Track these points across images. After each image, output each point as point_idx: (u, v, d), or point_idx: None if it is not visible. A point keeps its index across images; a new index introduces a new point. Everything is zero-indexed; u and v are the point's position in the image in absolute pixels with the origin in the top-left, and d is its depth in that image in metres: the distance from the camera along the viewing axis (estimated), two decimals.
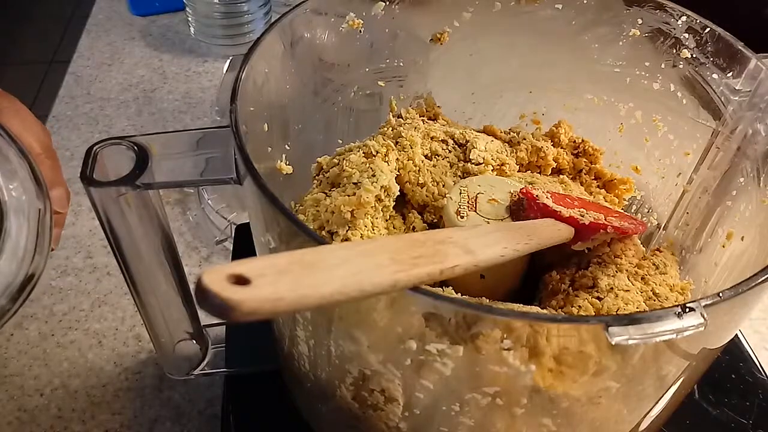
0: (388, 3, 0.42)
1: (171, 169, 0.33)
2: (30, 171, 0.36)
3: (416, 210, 0.42)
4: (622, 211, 0.45)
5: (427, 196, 0.41)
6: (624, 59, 0.44)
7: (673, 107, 0.43)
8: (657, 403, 0.33)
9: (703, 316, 0.24)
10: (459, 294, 0.33)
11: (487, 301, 0.33)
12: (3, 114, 0.41)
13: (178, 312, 0.40)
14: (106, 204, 0.33)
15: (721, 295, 0.24)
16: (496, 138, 0.46)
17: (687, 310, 0.24)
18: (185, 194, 0.65)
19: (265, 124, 0.36)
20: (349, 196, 0.36)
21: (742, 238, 0.37)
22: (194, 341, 0.42)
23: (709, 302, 0.24)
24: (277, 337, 0.38)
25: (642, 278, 0.37)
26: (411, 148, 0.41)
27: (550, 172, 0.45)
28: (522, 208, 0.37)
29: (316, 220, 0.37)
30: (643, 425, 0.34)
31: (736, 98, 0.39)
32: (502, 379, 0.27)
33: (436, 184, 0.41)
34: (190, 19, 0.83)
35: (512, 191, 0.38)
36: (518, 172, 0.44)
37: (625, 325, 0.23)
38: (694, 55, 0.40)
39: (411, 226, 0.41)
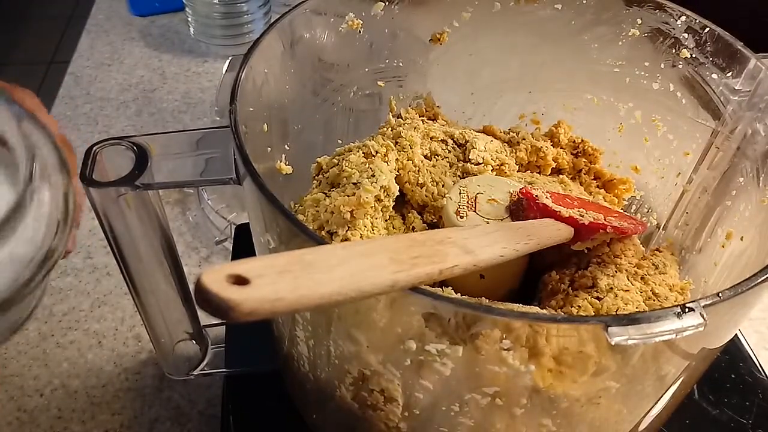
0: (387, 3, 0.42)
1: (170, 169, 0.33)
2: (56, 151, 0.37)
3: (416, 210, 0.42)
4: (621, 211, 0.45)
5: (426, 196, 0.41)
6: (623, 59, 0.44)
7: (673, 107, 0.43)
8: (657, 403, 0.33)
9: (703, 316, 0.24)
10: (458, 294, 0.33)
11: (487, 301, 0.33)
12: (25, 104, 0.41)
13: (178, 312, 0.40)
14: (105, 204, 0.33)
15: (720, 295, 0.24)
16: (495, 138, 0.46)
17: (686, 310, 0.24)
18: (185, 194, 0.65)
19: (265, 125, 0.36)
20: (348, 196, 0.36)
21: (742, 238, 0.37)
22: (194, 341, 0.42)
23: (708, 302, 0.24)
24: (276, 338, 0.38)
25: (641, 278, 0.37)
26: (410, 148, 0.41)
27: (549, 172, 0.45)
28: (521, 208, 0.37)
29: (315, 220, 0.37)
30: (643, 425, 0.34)
31: (736, 98, 0.39)
32: (501, 379, 0.27)
33: (435, 184, 0.41)
34: (189, 19, 0.83)
35: (512, 191, 0.38)
36: (518, 172, 0.44)
37: (625, 325, 0.23)
38: (693, 55, 0.40)
39: (410, 227, 0.41)
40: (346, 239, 0.36)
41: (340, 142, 0.44)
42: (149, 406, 0.50)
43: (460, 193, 0.38)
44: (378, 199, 0.37)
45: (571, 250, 0.37)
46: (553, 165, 0.45)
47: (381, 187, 0.36)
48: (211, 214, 0.61)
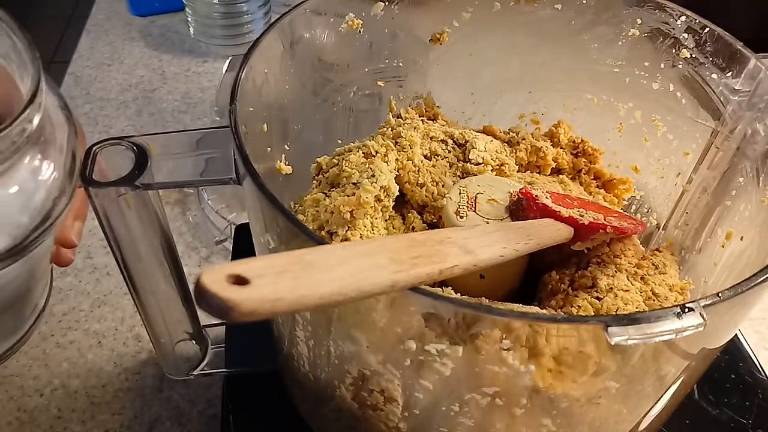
0: (387, 3, 0.42)
1: (170, 169, 0.33)
2: (66, 113, 0.38)
3: (416, 210, 0.42)
4: (621, 211, 0.45)
5: (426, 196, 0.41)
6: (623, 59, 0.44)
7: (673, 107, 0.43)
8: (656, 403, 0.33)
9: (703, 316, 0.24)
10: (458, 294, 0.33)
11: (487, 301, 0.33)
12: None
13: (178, 312, 0.40)
14: (105, 204, 0.33)
15: (720, 295, 0.24)
16: (495, 138, 0.46)
17: (686, 310, 0.24)
18: (185, 194, 0.65)
19: (265, 125, 0.37)
20: (348, 196, 0.36)
21: (742, 238, 0.37)
22: (194, 341, 0.42)
23: (708, 302, 0.24)
24: (276, 338, 0.38)
25: (641, 278, 0.37)
26: (410, 148, 0.41)
27: (549, 172, 0.45)
28: (521, 208, 0.37)
29: (315, 220, 0.37)
30: (643, 425, 0.34)
31: (736, 98, 0.39)
32: (501, 379, 0.27)
33: (435, 184, 0.41)
34: (189, 19, 0.83)
35: (512, 191, 0.38)
36: (518, 172, 0.44)
37: (625, 325, 0.23)
38: (693, 55, 0.40)
39: (410, 227, 0.41)
40: (346, 239, 0.36)
41: (340, 142, 0.44)
42: (149, 406, 0.50)
43: (460, 193, 0.38)
44: (378, 199, 0.37)
45: (571, 250, 0.37)
46: (553, 165, 0.45)
47: (381, 187, 0.36)
48: (211, 214, 0.61)
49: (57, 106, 0.40)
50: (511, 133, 0.47)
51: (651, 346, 0.27)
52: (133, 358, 0.52)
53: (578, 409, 0.30)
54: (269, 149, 0.38)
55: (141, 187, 0.32)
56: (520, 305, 0.33)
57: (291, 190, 0.41)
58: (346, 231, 0.36)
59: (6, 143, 0.34)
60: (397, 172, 0.41)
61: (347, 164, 0.38)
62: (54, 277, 0.57)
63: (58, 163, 0.38)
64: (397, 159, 0.40)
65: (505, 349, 0.26)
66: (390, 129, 0.44)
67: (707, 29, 0.39)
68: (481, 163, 0.42)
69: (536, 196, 0.36)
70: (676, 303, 0.36)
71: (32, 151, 0.37)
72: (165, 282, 0.38)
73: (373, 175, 0.37)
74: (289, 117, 0.41)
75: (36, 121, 0.35)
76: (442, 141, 0.43)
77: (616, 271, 0.37)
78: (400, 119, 0.46)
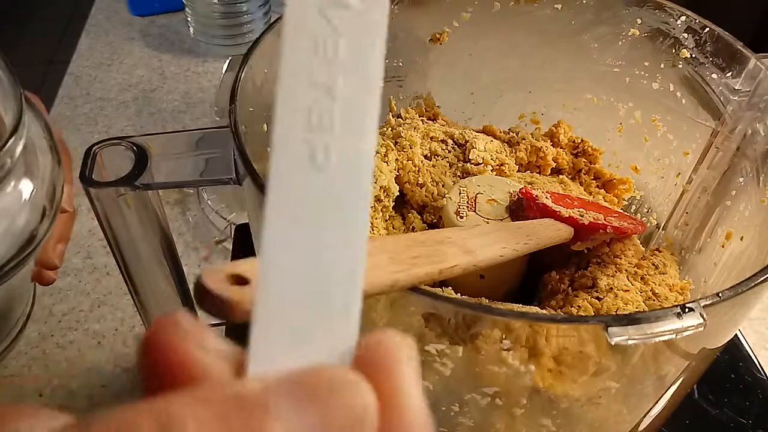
0: None
1: (170, 169, 0.33)
2: (46, 135, 0.38)
3: (416, 210, 0.42)
4: (621, 211, 0.45)
5: (426, 196, 0.41)
6: (623, 59, 0.44)
7: (673, 107, 0.43)
8: (656, 402, 0.33)
9: (703, 316, 0.24)
10: (458, 294, 0.33)
11: (487, 301, 0.33)
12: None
13: None
14: (105, 204, 0.33)
15: (720, 295, 0.24)
16: (495, 138, 0.46)
17: (686, 310, 0.24)
18: (185, 194, 0.65)
19: (265, 125, 0.36)
20: None
21: (742, 238, 0.37)
22: None
23: (708, 302, 0.24)
24: None
25: (641, 278, 0.37)
26: (410, 148, 0.41)
27: (549, 172, 0.45)
28: (521, 208, 0.37)
29: None
30: (643, 425, 0.34)
31: (736, 98, 0.39)
32: (501, 379, 0.27)
33: (435, 184, 0.41)
34: (189, 19, 0.83)
35: (511, 191, 0.38)
36: (517, 172, 0.44)
37: (625, 325, 0.23)
38: (693, 55, 0.40)
39: (410, 227, 0.41)
40: None
41: None
42: None
43: (459, 193, 0.38)
44: (378, 199, 0.37)
45: (571, 250, 0.37)
46: (553, 165, 0.45)
47: (381, 187, 0.36)
48: (211, 214, 0.61)
49: (41, 134, 0.40)
50: (511, 133, 0.47)
51: (651, 346, 0.27)
52: (133, 359, 0.52)
53: (578, 409, 0.30)
54: (269, 149, 0.38)
55: (141, 187, 0.32)
56: (520, 305, 0.33)
57: None
58: None
59: None
60: (397, 172, 0.41)
61: None
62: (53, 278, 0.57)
63: (39, 189, 0.38)
64: (397, 159, 0.40)
65: (505, 349, 0.26)
66: (390, 129, 0.44)
67: (707, 29, 0.39)
68: (481, 163, 0.42)
69: (536, 196, 0.36)
70: (676, 303, 0.36)
71: (14, 178, 0.37)
72: (165, 282, 0.38)
73: (373, 175, 0.37)
74: None
75: (18, 151, 0.35)
76: (442, 141, 0.43)
77: (616, 271, 0.37)
78: (400, 119, 0.46)
